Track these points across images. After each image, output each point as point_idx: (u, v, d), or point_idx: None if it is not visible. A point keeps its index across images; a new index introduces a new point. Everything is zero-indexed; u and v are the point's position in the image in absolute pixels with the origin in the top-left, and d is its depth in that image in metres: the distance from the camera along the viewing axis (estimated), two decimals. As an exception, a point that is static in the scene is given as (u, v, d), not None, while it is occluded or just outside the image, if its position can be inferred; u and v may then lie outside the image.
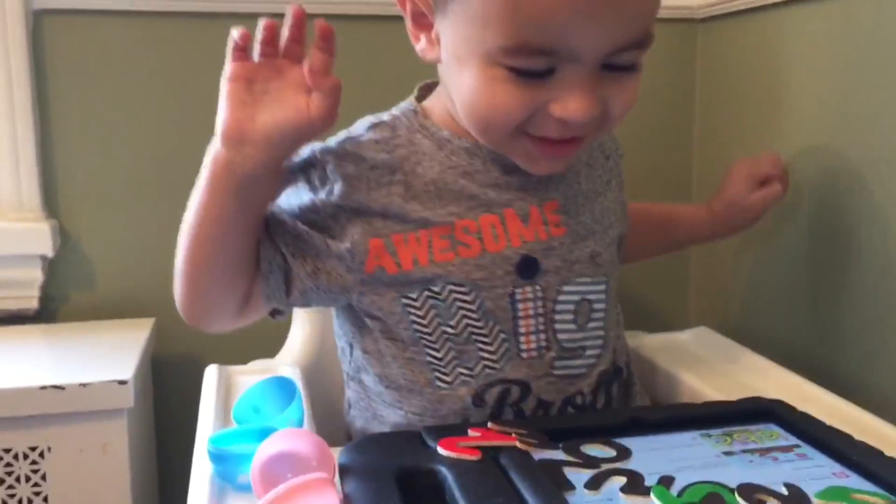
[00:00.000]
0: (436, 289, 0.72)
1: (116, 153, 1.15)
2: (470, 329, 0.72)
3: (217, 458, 0.62)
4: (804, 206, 1.01)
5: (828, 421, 0.66)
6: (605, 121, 0.68)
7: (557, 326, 0.74)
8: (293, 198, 0.73)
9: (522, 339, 0.73)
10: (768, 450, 0.61)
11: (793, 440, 0.63)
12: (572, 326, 0.74)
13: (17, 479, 0.94)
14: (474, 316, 0.72)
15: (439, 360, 0.73)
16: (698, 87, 1.26)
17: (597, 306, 0.76)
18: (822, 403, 0.76)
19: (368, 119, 0.76)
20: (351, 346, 0.79)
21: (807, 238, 1.01)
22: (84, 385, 0.91)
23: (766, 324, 1.09)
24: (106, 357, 1.00)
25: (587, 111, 0.65)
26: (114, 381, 0.92)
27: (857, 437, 0.62)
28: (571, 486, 0.56)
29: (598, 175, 0.79)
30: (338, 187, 0.71)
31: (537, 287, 0.73)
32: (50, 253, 1.12)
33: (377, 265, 0.71)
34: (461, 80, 0.67)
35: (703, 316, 1.24)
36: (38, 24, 1.11)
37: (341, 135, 0.75)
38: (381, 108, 0.77)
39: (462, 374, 0.73)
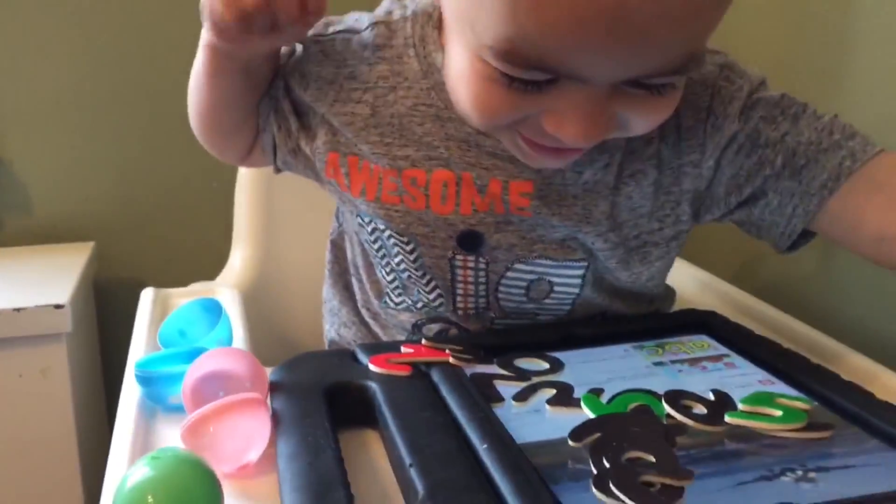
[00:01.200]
0: (381, 226, 0.68)
1: (47, 71, 1.11)
2: (408, 272, 0.69)
3: (144, 380, 0.61)
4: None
5: (761, 331, 0.66)
6: (621, 134, 0.57)
7: (502, 296, 0.69)
8: (302, 59, 0.68)
9: (459, 298, 0.69)
10: (698, 359, 0.62)
11: (723, 350, 0.64)
12: (521, 298, 0.69)
13: (-45, 406, 0.93)
14: (413, 265, 0.68)
15: (389, 282, 0.72)
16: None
17: (560, 288, 0.68)
18: (761, 315, 0.77)
19: (384, 7, 0.68)
20: (339, 232, 0.79)
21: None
22: (18, 310, 0.90)
23: (717, 244, 1.10)
24: (43, 282, 0.98)
25: (586, 136, 0.53)
26: (50, 305, 0.90)
27: (787, 345, 0.63)
28: (501, 399, 0.56)
29: (619, 162, 0.64)
30: (311, 87, 0.67)
31: (481, 260, 0.67)
32: (-19, 176, 1.08)
33: (332, 177, 0.69)
34: (452, 51, 0.58)
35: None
36: (-44, -65, 1.05)
37: (350, 19, 0.69)
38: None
39: (406, 302, 0.72)
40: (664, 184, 0.65)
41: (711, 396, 0.55)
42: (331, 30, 0.68)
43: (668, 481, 0.44)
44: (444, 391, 0.56)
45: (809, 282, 0.92)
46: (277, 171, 0.74)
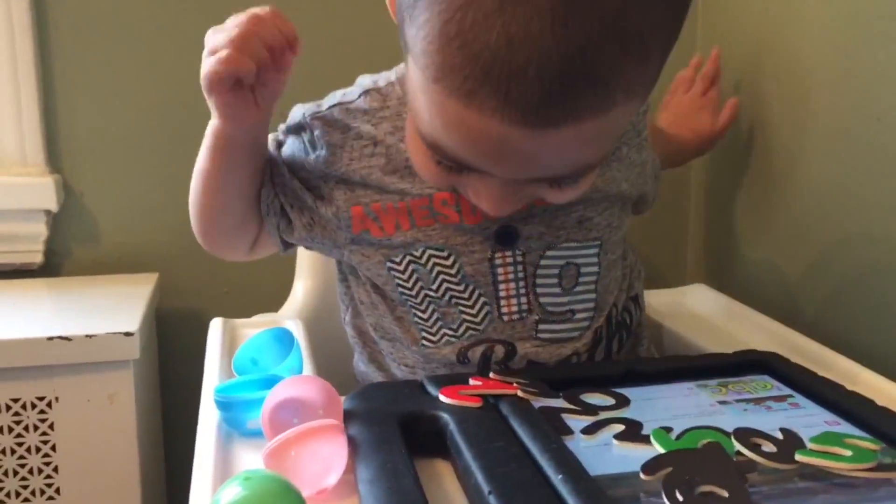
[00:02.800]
0: (416, 253, 0.73)
1: (119, 107, 1.16)
2: (451, 293, 0.74)
3: (224, 405, 0.63)
4: (801, 167, 1.01)
5: (821, 373, 0.67)
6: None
7: (539, 290, 0.74)
8: (294, 148, 0.76)
9: (503, 302, 0.74)
10: (762, 399, 0.63)
11: (786, 390, 0.65)
12: (556, 290, 0.75)
13: (26, 429, 0.96)
14: (454, 280, 0.73)
15: (424, 320, 0.75)
16: (699, 48, 1.26)
17: (586, 270, 0.75)
18: (816, 357, 0.77)
19: (366, 81, 0.76)
20: (348, 294, 0.82)
21: (805, 197, 1.01)
22: (90, 336, 0.93)
23: (763, 281, 1.10)
24: (111, 310, 1.01)
25: (499, 213, 0.63)
26: (120, 332, 0.93)
27: (850, 388, 0.64)
28: (570, 432, 0.57)
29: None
30: (323, 154, 0.74)
31: (517, 252, 0.73)
32: (54, 208, 1.13)
33: (362, 228, 0.74)
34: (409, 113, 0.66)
35: (700, 273, 1.25)
36: (40, -23, 1.11)
37: (335, 96, 0.76)
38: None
39: (447, 334, 0.75)
40: (632, 157, 0.77)
41: (780, 435, 0.55)
42: (325, 105, 0.75)
43: (742, 515, 0.45)
44: (515, 423, 0.57)
45: (862, 323, 0.92)
46: (285, 249, 0.80)
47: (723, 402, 0.62)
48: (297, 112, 0.76)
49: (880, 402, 0.61)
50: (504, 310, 0.74)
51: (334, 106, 0.75)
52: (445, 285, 0.74)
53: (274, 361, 0.71)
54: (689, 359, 0.75)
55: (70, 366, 0.94)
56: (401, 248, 0.74)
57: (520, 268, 0.74)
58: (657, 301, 0.99)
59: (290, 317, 0.93)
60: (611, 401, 0.62)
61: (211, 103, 0.69)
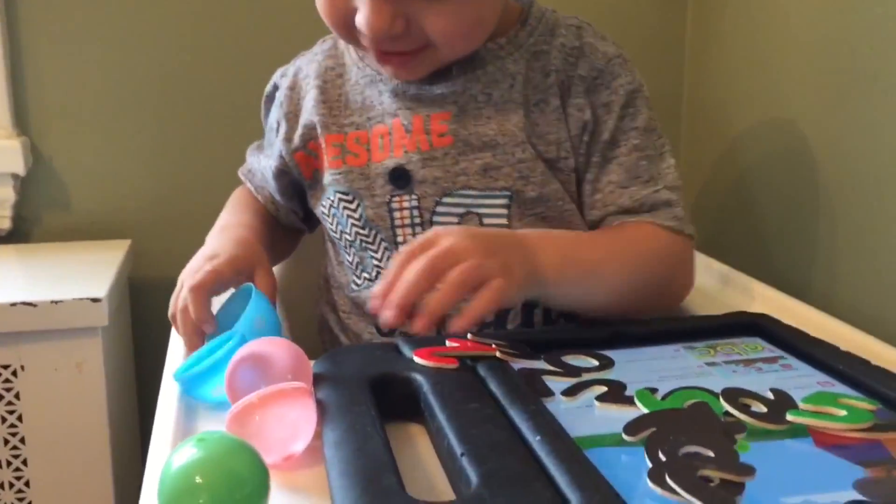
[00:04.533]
0: (331, 198, 0.77)
1: (90, 70, 1.11)
2: (359, 237, 0.76)
3: (186, 383, 0.60)
4: (794, 133, 0.98)
5: (813, 334, 0.64)
6: (428, 40, 0.68)
7: None
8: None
9: (402, 248, 0.71)
10: (752, 361, 0.60)
11: (777, 352, 0.62)
12: None
13: (-9, 398, 0.92)
14: (359, 224, 0.76)
15: (350, 263, 0.79)
16: (690, 13, 1.22)
17: (490, 221, 0.73)
18: (809, 320, 0.74)
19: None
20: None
21: (798, 164, 0.99)
22: (56, 302, 0.89)
23: (758, 247, 1.08)
24: (80, 276, 0.97)
25: (376, 24, 0.65)
26: (87, 298, 0.90)
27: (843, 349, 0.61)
28: (550, 393, 0.55)
29: (524, 91, 0.74)
30: (283, 102, 0.81)
31: (413, 196, 0.73)
32: (21, 171, 1.08)
33: (310, 171, 0.80)
34: None
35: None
36: (5, -68, 1.06)
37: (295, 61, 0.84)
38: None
39: (366, 278, 0.77)
40: (569, 112, 0.74)
41: (771, 395, 0.53)
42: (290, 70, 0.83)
43: (728, 476, 0.42)
44: (493, 384, 0.54)
45: (847, 285, 0.89)
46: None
47: (711, 364, 0.60)
48: (274, 77, 0.85)
49: (875, 363, 0.58)
50: None
51: (297, 58, 0.83)
52: (355, 229, 0.76)
53: (238, 315, 0.67)
54: (677, 321, 0.72)
55: (36, 333, 0.90)
56: (321, 193, 0.79)
57: (416, 213, 0.74)
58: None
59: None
60: (594, 362, 0.60)
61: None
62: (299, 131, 0.79)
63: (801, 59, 0.97)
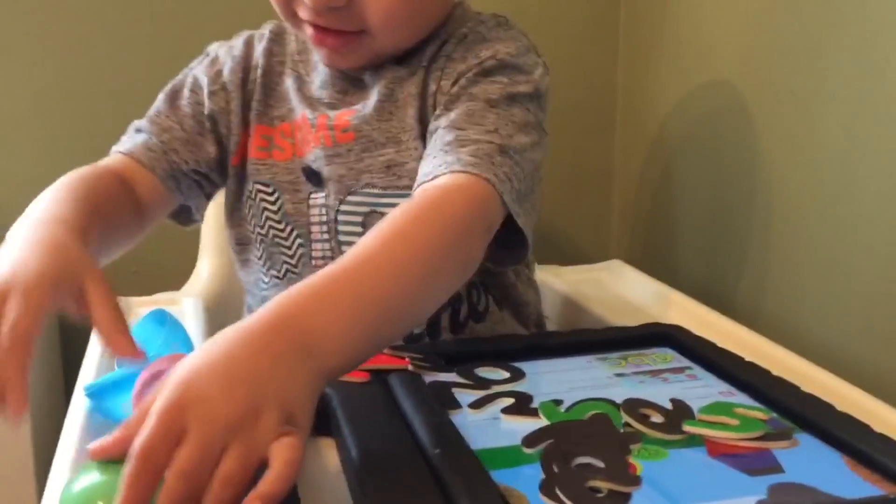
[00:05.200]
0: (249, 188, 0.75)
1: (15, 75, 1.10)
2: (273, 231, 0.75)
3: (95, 395, 0.59)
4: (724, 145, 1.01)
5: (726, 346, 0.66)
6: (365, 22, 0.66)
7: (342, 237, 0.73)
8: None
9: (315, 245, 0.74)
10: (660, 371, 0.61)
11: (686, 363, 0.63)
12: (359, 238, 0.69)
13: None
14: (275, 218, 0.75)
15: (259, 259, 0.77)
16: (623, 20, 1.24)
17: None
18: (724, 331, 0.76)
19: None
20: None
21: (725, 177, 1.01)
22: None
23: (682, 259, 1.10)
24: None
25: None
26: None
27: (749, 359, 0.63)
28: (457, 406, 0.55)
29: (421, 84, 0.71)
30: (228, 68, 0.77)
31: (323, 194, 0.73)
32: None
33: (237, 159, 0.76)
34: None
35: (623, 251, 1.24)
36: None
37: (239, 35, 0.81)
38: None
39: (274, 276, 0.76)
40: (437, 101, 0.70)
41: (670, 406, 0.54)
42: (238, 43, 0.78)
43: (615, 487, 0.43)
44: (401, 396, 0.55)
45: (771, 295, 0.92)
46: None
47: (620, 375, 0.61)
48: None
49: (778, 373, 0.60)
50: (316, 253, 0.74)
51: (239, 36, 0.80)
52: (269, 223, 0.75)
53: (154, 344, 0.67)
54: (594, 332, 0.74)
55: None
56: (241, 183, 0.76)
57: (324, 210, 0.73)
58: (574, 277, 0.97)
59: (191, 295, 0.89)
60: (505, 374, 0.60)
61: None
62: (236, 103, 0.75)
63: (727, 72, 0.99)
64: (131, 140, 0.74)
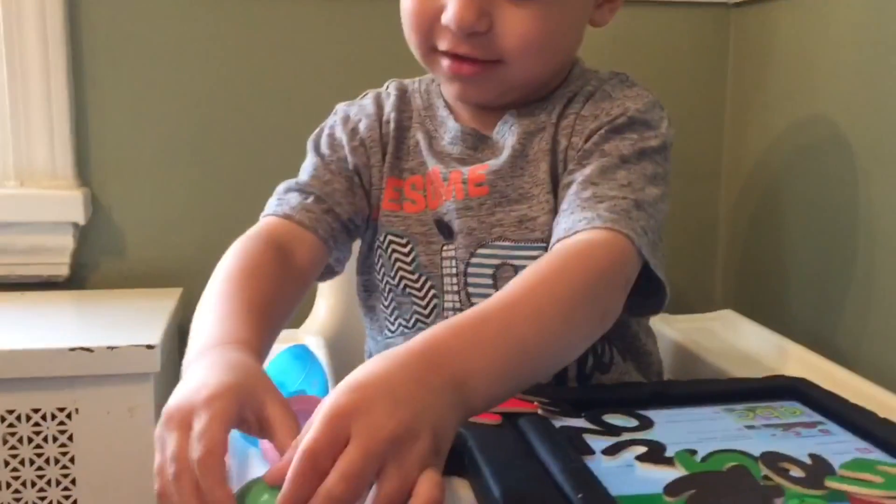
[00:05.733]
0: (381, 238, 0.77)
1: (149, 123, 1.17)
2: (405, 281, 0.77)
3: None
4: (831, 194, 1.00)
5: (851, 398, 0.65)
6: (502, 49, 0.69)
7: (471, 289, 0.74)
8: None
9: (447, 296, 0.75)
10: (791, 425, 0.61)
11: (816, 417, 0.63)
12: (489, 290, 0.73)
13: (45, 440, 0.96)
14: (408, 268, 0.76)
15: (385, 307, 0.79)
16: (730, 72, 1.25)
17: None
18: (847, 384, 0.75)
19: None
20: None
21: (833, 225, 1.00)
22: (112, 348, 0.93)
23: (792, 307, 1.08)
24: (134, 323, 1.01)
25: (462, 17, 0.67)
26: (142, 345, 0.93)
27: (881, 415, 0.62)
28: (591, 452, 0.56)
29: (552, 139, 0.74)
30: (362, 126, 0.79)
31: (455, 246, 0.75)
32: (82, 220, 1.13)
33: (375, 211, 0.78)
34: None
35: (729, 299, 1.23)
36: (76, -4, 1.12)
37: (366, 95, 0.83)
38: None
39: (402, 324, 0.78)
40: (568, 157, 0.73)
41: (809, 461, 0.54)
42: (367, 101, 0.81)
43: (768, 540, 0.44)
44: (534, 441, 0.56)
45: (891, 346, 0.90)
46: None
47: (750, 427, 0.61)
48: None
49: (913, 429, 0.59)
50: (447, 304, 0.75)
51: (364, 97, 0.82)
52: (400, 273, 0.77)
53: (296, 380, 0.70)
54: (717, 383, 0.74)
55: (91, 377, 0.94)
56: (371, 235, 0.78)
57: (454, 262, 0.75)
58: (685, 326, 0.97)
59: (311, 333, 0.92)
60: (634, 422, 0.61)
61: None
62: (376, 158, 0.77)
63: (836, 123, 0.99)
64: (285, 203, 0.74)
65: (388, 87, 0.82)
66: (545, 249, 0.71)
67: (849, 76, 0.97)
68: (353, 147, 0.77)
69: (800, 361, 0.83)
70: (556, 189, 0.72)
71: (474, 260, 0.74)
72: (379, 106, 0.80)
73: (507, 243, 0.73)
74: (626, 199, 0.65)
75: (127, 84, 1.15)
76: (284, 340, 0.88)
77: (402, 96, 0.81)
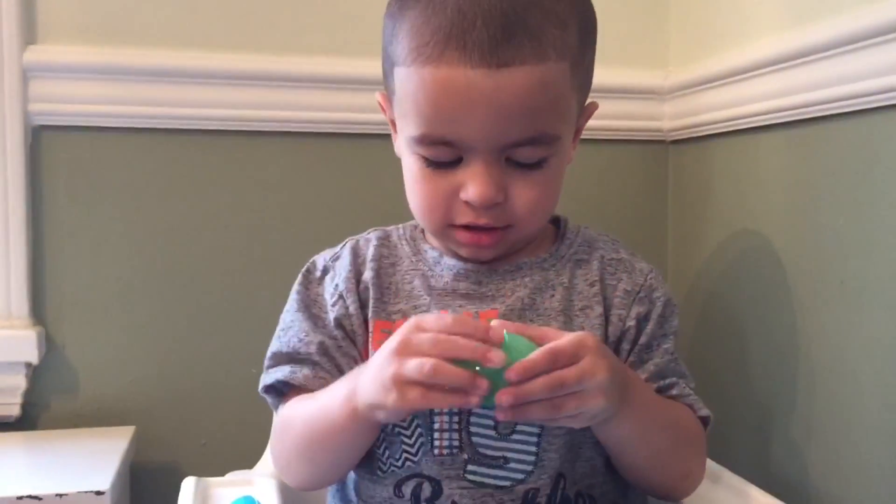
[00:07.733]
0: None
1: (105, 262, 1.18)
2: (394, 424, 0.76)
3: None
4: (770, 321, 1.04)
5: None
6: (514, 215, 0.75)
7: (473, 429, 0.74)
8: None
9: (437, 435, 0.74)
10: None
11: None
12: (491, 433, 0.74)
13: (-11, 592, 0.93)
14: None
15: (376, 448, 0.77)
16: (670, 205, 1.31)
17: (526, 423, 0.74)
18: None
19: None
20: None
21: (774, 354, 1.03)
22: (61, 496, 0.91)
23: (731, 438, 1.10)
24: (84, 466, 1.00)
25: (485, 194, 0.72)
26: (91, 491, 0.92)
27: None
28: None
29: (567, 297, 0.79)
30: (345, 274, 0.82)
31: None
32: (35, 360, 1.13)
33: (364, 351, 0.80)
34: (404, 173, 0.79)
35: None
36: (37, 139, 1.15)
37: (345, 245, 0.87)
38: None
39: (393, 465, 0.77)
40: (612, 321, 0.79)
41: None
42: (345, 250, 0.85)
43: None
44: None
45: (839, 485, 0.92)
46: None
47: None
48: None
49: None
50: (437, 443, 0.74)
51: (344, 246, 0.87)
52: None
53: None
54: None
55: (40, 525, 0.92)
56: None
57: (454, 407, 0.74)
58: None
59: (264, 474, 0.92)
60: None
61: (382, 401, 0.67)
62: (354, 304, 0.80)
63: (775, 259, 1.03)
64: (289, 374, 0.79)
65: (368, 234, 0.86)
66: None
67: (780, 208, 1.03)
68: (333, 302, 0.81)
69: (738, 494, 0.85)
70: (566, 322, 0.78)
71: None
72: (356, 255, 0.83)
73: None
74: (691, 390, 0.81)
75: (85, 224, 1.17)
76: (239, 483, 0.88)
77: (385, 243, 0.85)
